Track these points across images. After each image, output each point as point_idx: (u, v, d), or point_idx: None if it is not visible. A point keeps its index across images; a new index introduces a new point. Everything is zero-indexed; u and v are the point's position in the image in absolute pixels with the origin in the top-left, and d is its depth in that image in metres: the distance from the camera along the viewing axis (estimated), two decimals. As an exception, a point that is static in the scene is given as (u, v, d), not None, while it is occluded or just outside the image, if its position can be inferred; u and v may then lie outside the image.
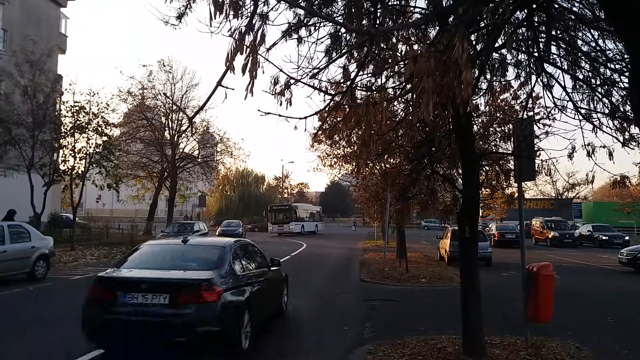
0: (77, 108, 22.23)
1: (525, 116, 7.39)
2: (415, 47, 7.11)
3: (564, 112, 6.46)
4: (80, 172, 23.34)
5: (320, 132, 8.32)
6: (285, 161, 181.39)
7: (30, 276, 13.92)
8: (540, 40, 5.93)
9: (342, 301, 12.21)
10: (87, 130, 22.51)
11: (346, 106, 4.76)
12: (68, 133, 22.28)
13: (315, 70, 5.45)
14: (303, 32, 6.30)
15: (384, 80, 6.75)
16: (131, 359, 6.98)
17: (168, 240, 10.72)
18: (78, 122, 22.22)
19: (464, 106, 3.02)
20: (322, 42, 6.30)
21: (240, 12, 3.43)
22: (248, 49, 3.07)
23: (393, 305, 11.53)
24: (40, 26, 30.53)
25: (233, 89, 3.26)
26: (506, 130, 9.71)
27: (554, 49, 6.35)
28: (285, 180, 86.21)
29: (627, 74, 5.54)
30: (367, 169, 18.15)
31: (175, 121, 35.61)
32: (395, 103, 9.49)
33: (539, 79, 6.23)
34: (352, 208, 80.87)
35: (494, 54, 6.44)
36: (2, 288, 12.54)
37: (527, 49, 6.36)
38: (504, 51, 6.60)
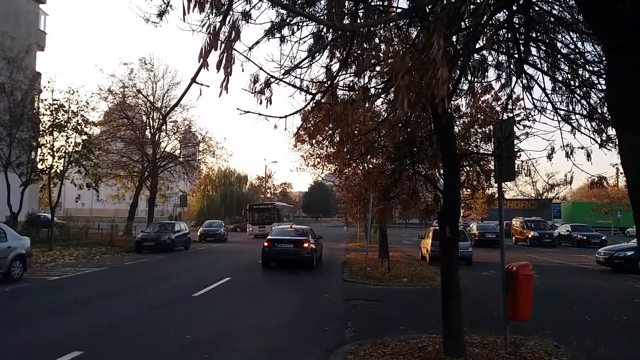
0: (56, 106, 21.84)
1: (505, 117, 7.46)
2: (397, 47, 7.14)
3: (544, 113, 6.55)
4: (58, 171, 22.92)
5: (302, 131, 8.30)
6: (269, 161, 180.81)
7: (6, 277, 13.64)
8: (520, 41, 5.99)
9: (324, 301, 12.19)
10: (66, 128, 22.13)
11: (327, 104, 4.74)
12: (46, 131, 21.88)
13: (297, 69, 5.42)
14: (286, 31, 6.28)
15: (366, 80, 6.76)
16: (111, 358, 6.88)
17: (285, 225, 24.99)
18: (57, 121, 21.83)
19: (442, 105, 3.02)
20: (304, 42, 6.28)
21: (218, 7, 3.38)
22: (223, 45, 3.03)
23: (375, 305, 11.55)
24: (19, 22, 29.94)
25: (208, 86, 3.21)
26: (487, 131, 9.81)
27: (534, 51, 6.42)
28: (268, 180, 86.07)
29: (605, 76, 5.63)
30: (349, 169, 18.20)
31: (157, 120, 35.18)
32: (378, 103, 9.54)
33: (519, 81, 6.29)
34: (335, 208, 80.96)
35: (474, 55, 6.48)
36: (-23, 289, 12.28)
37: (508, 51, 6.43)
38: (484, 52, 6.66)
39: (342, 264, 20.15)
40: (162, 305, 11.21)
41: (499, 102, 10.31)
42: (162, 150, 35.76)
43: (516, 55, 6.16)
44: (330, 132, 10.01)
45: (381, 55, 6.95)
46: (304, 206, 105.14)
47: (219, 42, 3.03)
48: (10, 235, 14.29)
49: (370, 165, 15.41)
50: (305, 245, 17.90)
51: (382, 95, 6.34)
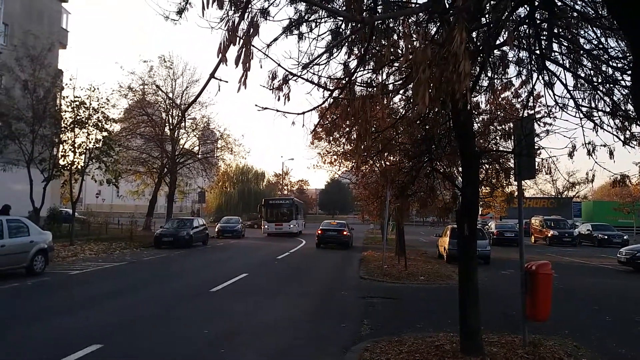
0: (77, 103, 22.19)
1: (525, 114, 7.35)
2: (416, 44, 7.09)
3: (565, 110, 6.43)
4: (79, 167, 23.32)
5: (319, 128, 8.29)
6: (286, 158, 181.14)
7: (28, 271, 13.93)
8: (542, 37, 5.89)
9: (340, 298, 12.20)
10: (87, 125, 22.48)
11: (345, 100, 4.73)
12: (68, 128, 22.25)
13: (315, 66, 5.42)
14: (304, 28, 6.28)
15: (384, 77, 6.73)
16: (130, 353, 6.97)
17: (329, 221, 34.99)
18: (78, 117, 22.18)
19: (463, 100, 2.98)
20: (322, 39, 6.27)
21: (237, 4, 3.38)
22: (241, 40, 3.03)
23: (391, 302, 11.52)
24: (42, 21, 30.45)
25: (227, 82, 3.22)
26: (506, 129, 9.69)
27: (555, 47, 6.31)
28: (285, 177, 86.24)
29: (629, 72, 5.51)
30: (366, 166, 18.16)
31: (176, 117, 35.54)
32: (396, 100, 9.48)
33: (540, 77, 6.19)
34: (352, 205, 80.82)
35: (495, 51, 6.40)
36: (1, 282, 12.55)
37: (529, 47, 6.33)
38: (505, 48, 6.57)
39: (358, 261, 20.13)
40: (181, 300, 11.32)
41: (519, 99, 10.20)
42: (181, 147, 36.10)
43: (537, 52, 6.06)
44: (347, 129, 10.00)
45: (399, 51, 6.92)
46: (321, 203, 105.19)
47: (238, 37, 3.03)
48: (33, 230, 14.57)
49: (387, 163, 15.37)
50: (344, 232, 28.30)
51: (401, 91, 6.29)
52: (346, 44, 6.15)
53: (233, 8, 3.46)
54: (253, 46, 3.02)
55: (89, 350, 6.84)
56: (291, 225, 38.51)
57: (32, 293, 11.84)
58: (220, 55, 3.03)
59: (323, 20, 6.28)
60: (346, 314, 10.08)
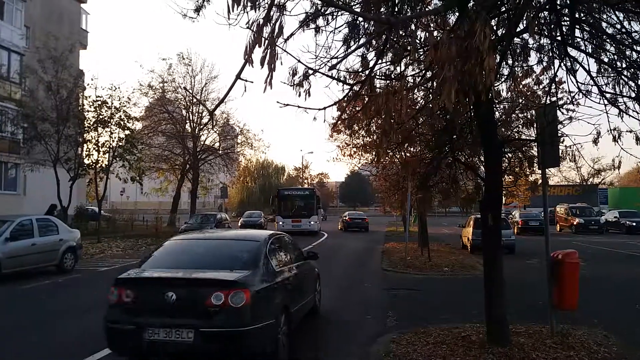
0: (100, 103, 22.61)
1: (548, 101, 7.25)
2: (435, 33, 7.03)
3: (589, 96, 6.32)
4: (104, 165, 23.76)
5: (339, 122, 8.29)
6: (305, 152, 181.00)
7: (59, 268, 14.29)
8: (563, 23, 5.79)
9: (364, 290, 12.23)
10: (109, 124, 22.89)
11: (365, 96, 4.73)
12: (91, 127, 22.70)
13: (334, 60, 5.42)
14: (320, 21, 6.27)
15: (403, 68, 6.69)
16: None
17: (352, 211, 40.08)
18: (101, 117, 22.60)
19: (486, 93, 2.97)
20: (339, 32, 6.25)
21: (257, 3, 3.42)
22: (266, 41, 3.07)
23: (415, 294, 11.51)
24: (62, 22, 31.00)
25: (252, 82, 3.26)
26: (529, 117, 9.55)
27: (577, 32, 6.20)
28: (305, 170, 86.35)
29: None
30: (387, 158, 18.09)
31: (196, 114, 35.92)
32: (415, 91, 9.41)
33: (562, 64, 6.10)
34: (372, 197, 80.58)
35: (515, 38, 6.31)
36: (33, 280, 12.91)
37: (550, 33, 6.23)
38: (525, 36, 6.48)
39: (380, 253, 20.12)
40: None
41: (541, 86, 10.03)
42: (202, 143, 36.49)
43: (559, 38, 5.96)
44: (366, 121, 9.97)
45: (418, 42, 6.86)
46: (341, 196, 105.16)
47: (262, 38, 3.07)
48: (62, 228, 14.92)
49: (408, 154, 15.29)
50: (365, 220, 36.18)
51: (424, 85, 6.25)
52: (364, 37, 6.12)
53: (249, 5, 3.49)
54: (277, 46, 3.05)
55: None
56: (312, 222, 32.36)
57: (63, 290, 12.16)
58: (246, 56, 3.07)
59: (340, 13, 6.27)
60: (370, 306, 10.12)
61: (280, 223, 32.33)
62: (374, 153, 17.75)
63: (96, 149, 23.14)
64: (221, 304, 5.39)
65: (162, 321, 5.44)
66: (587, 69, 6.13)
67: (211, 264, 6.34)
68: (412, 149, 13.28)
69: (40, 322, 8.72)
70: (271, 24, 3.25)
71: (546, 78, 8.29)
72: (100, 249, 20.73)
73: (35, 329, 8.29)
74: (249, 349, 5.60)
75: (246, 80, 3.21)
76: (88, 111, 22.95)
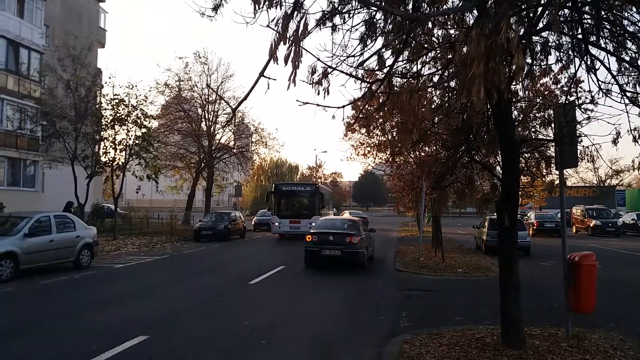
0: (117, 101, 22.79)
1: (566, 101, 7.15)
2: (452, 31, 6.98)
3: (609, 95, 6.22)
4: (120, 163, 23.99)
5: (355, 121, 8.28)
6: (319, 151, 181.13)
7: (75, 264, 14.48)
8: (584, 21, 5.71)
9: (377, 290, 12.20)
10: (126, 122, 23.07)
11: (384, 94, 4.71)
12: (108, 125, 22.89)
13: (352, 58, 5.40)
14: (337, 19, 6.26)
15: (419, 67, 6.65)
16: (175, 344, 7.18)
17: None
18: (118, 115, 22.80)
19: (507, 92, 2.93)
20: (356, 30, 6.24)
21: (277, 2, 3.41)
22: (291, 39, 3.07)
23: (429, 295, 11.44)
24: (81, 21, 31.40)
25: (275, 80, 3.26)
26: (546, 116, 9.43)
27: (596, 30, 6.10)
28: (319, 169, 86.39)
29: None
30: (401, 157, 18.01)
31: (212, 112, 36.11)
32: (430, 90, 9.35)
33: (582, 62, 6.01)
34: (386, 197, 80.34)
35: (534, 37, 6.24)
36: (51, 276, 13.09)
37: (570, 31, 6.14)
38: (544, 34, 6.39)
39: (394, 254, 20.05)
40: (221, 292, 11.57)
41: (559, 85, 9.90)
42: (217, 141, 36.67)
43: (579, 36, 5.88)
44: (380, 120, 9.93)
45: (434, 40, 6.81)
46: (355, 195, 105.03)
47: (287, 36, 3.07)
48: (79, 226, 15.11)
49: (423, 154, 15.20)
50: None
51: (444, 82, 6.20)
52: (382, 35, 6.09)
53: (276, 7, 3.49)
54: (303, 48, 3.05)
55: (136, 341, 7.08)
56: (313, 224, 24.98)
57: (80, 286, 12.31)
58: (271, 54, 3.06)
59: (356, 11, 6.25)
60: (384, 307, 10.09)
61: (276, 224, 27.13)
62: (388, 152, 17.75)
63: (113, 146, 23.33)
64: (350, 241, 14.73)
65: (328, 247, 14.82)
66: (608, 67, 6.03)
67: (342, 227, 15.78)
68: (427, 148, 13.21)
69: (59, 317, 8.85)
70: (296, 22, 3.25)
71: (564, 77, 8.20)
72: (116, 246, 20.96)
73: (54, 323, 8.41)
74: (358, 258, 14.90)
75: (269, 78, 3.21)
76: (105, 109, 23.16)
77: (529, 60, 6.86)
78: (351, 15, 6.16)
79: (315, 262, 15.24)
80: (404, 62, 6.51)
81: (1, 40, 24.96)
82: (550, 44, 6.24)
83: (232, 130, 37.48)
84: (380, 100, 7.84)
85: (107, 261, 16.72)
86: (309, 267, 15.50)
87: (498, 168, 8.71)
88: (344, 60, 5.68)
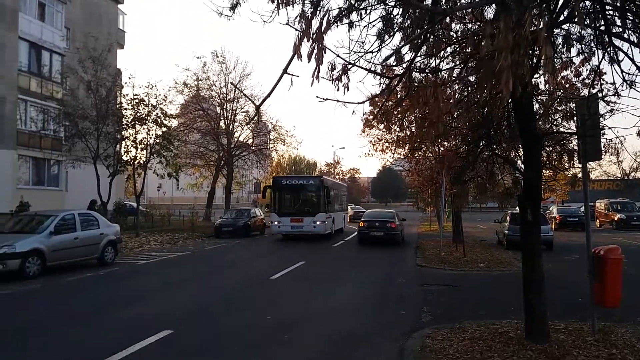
0: (137, 101, 23.10)
1: (589, 93, 7.06)
2: (470, 26, 6.93)
3: (633, 87, 6.13)
4: (142, 162, 24.33)
5: (373, 117, 8.29)
6: (337, 147, 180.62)
7: (100, 261, 14.76)
8: (606, 12, 5.63)
9: (398, 285, 12.20)
10: (147, 121, 23.37)
11: (405, 88, 4.71)
12: (129, 125, 23.21)
13: (370, 54, 5.41)
14: (354, 16, 6.27)
15: (437, 61, 6.62)
16: (199, 339, 7.30)
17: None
18: (138, 114, 23.10)
19: (531, 83, 2.92)
20: (373, 26, 6.24)
21: (295, 0, 3.45)
22: (314, 36, 3.10)
23: (451, 290, 11.41)
24: (100, 23, 31.83)
25: (298, 76, 3.30)
26: (568, 109, 9.32)
27: (620, 21, 6.01)
28: (337, 166, 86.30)
29: None
30: (419, 153, 17.94)
31: (230, 111, 36.36)
32: (449, 84, 9.30)
33: (605, 54, 5.92)
34: (405, 193, 79.96)
35: (555, 29, 6.17)
36: (76, 272, 13.38)
37: (592, 23, 6.06)
38: (565, 26, 6.31)
39: (415, 249, 20.00)
40: (243, 288, 11.71)
41: (580, 78, 9.76)
42: (236, 139, 36.92)
43: (602, 27, 5.80)
44: (399, 115, 9.91)
45: (452, 34, 6.78)
46: (373, 191, 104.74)
47: (310, 33, 3.10)
48: (102, 223, 15.39)
49: (442, 149, 15.11)
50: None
51: (466, 76, 6.17)
52: (400, 31, 6.09)
53: (292, 5, 3.53)
54: (325, 47, 3.08)
55: (161, 336, 7.21)
56: (317, 222, 23.99)
57: (105, 282, 12.55)
58: (294, 50, 3.10)
59: (374, 7, 6.25)
60: (405, 301, 10.09)
61: (276, 223, 24.45)
62: (407, 147, 17.70)
63: (134, 145, 23.67)
64: (390, 225, 21.48)
65: (375, 230, 21.52)
66: (632, 58, 5.94)
67: (384, 217, 22.62)
68: (446, 143, 13.14)
69: (86, 312, 9.05)
70: (318, 19, 3.29)
71: (586, 69, 8.09)
72: (138, 242, 21.30)
73: (81, 318, 8.61)
74: (395, 238, 21.46)
75: (292, 75, 3.26)
76: (126, 109, 23.47)
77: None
78: (368, 11, 6.17)
79: (366, 241, 21.59)
80: (423, 57, 6.50)
81: (24, 44, 25.50)
82: (572, 36, 6.16)
83: (252, 128, 37.68)
84: (399, 96, 7.85)
85: (131, 258, 17.00)
86: (362, 245, 21.53)
87: (519, 162, 8.64)
88: (362, 56, 5.70)
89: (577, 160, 8.04)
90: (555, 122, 10.07)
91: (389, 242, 20.98)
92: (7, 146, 24.30)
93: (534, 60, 5.20)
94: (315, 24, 3.27)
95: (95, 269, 14.19)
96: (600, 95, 7.09)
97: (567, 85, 10.47)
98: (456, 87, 8.45)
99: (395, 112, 9.05)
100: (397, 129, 17.28)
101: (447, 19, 6.15)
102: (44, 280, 12.17)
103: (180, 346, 6.89)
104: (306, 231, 23.91)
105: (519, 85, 2.96)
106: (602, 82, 8.12)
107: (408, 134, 15.65)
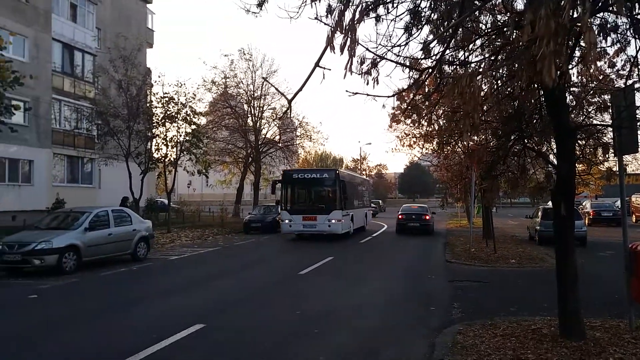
0: (167, 99, 23.45)
1: (625, 84, 6.86)
2: (499, 17, 6.81)
3: (672, 76, 5.93)
4: (172, 159, 24.73)
5: (401, 111, 8.22)
6: (363, 143, 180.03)
7: (133, 257, 15.10)
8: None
9: (427, 281, 12.11)
10: (177, 119, 23.70)
11: (432, 82, 4.66)
12: (160, 123, 23.60)
13: (397, 48, 5.38)
14: (381, 10, 6.24)
15: (467, 54, 6.53)
16: (231, 332, 7.41)
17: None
18: (168, 112, 23.45)
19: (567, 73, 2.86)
20: (400, 19, 6.20)
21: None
22: (346, 28, 3.11)
23: (481, 286, 11.26)
24: (130, 23, 32.41)
25: (330, 69, 3.31)
26: (602, 101, 9.08)
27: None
28: (363, 161, 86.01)
29: None
30: (449, 147, 17.72)
31: (257, 108, 36.62)
32: (479, 78, 9.16)
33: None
34: (432, 188, 79.23)
35: (589, 18, 6.01)
36: (110, 267, 13.72)
37: (628, 11, 5.88)
38: (599, 15, 6.15)
39: (443, 245, 19.82)
40: (272, 282, 11.82)
41: (614, 69, 9.50)
42: (263, 136, 37.18)
43: (639, 16, 5.61)
44: (428, 109, 9.81)
45: (482, 26, 6.67)
46: (400, 187, 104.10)
47: (344, 25, 3.11)
48: (135, 219, 15.73)
49: (472, 143, 14.87)
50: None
51: (499, 67, 6.07)
52: (428, 24, 6.03)
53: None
54: (358, 39, 3.09)
55: (193, 329, 7.35)
56: (332, 221, 21.80)
57: (138, 277, 12.84)
58: (328, 43, 3.12)
59: (400, 1, 6.21)
60: (435, 297, 10.02)
61: (286, 222, 22.38)
62: (435, 142, 17.51)
63: (165, 143, 24.04)
64: (424, 217, 25.62)
65: (411, 222, 25.54)
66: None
67: (419, 210, 26.76)
68: (476, 137, 12.94)
69: (120, 306, 9.28)
70: (351, 11, 3.29)
71: (621, 60, 7.86)
72: (170, 238, 21.70)
73: (116, 312, 8.84)
74: (429, 229, 25.48)
75: (324, 68, 3.27)
76: (156, 107, 23.87)
77: (583, 44, 6.63)
78: (395, 5, 6.13)
79: (403, 231, 25.35)
80: (452, 49, 6.42)
81: (57, 45, 26.22)
82: (609, 26, 6.00)
83: (277, 125, 37.89)
84: (427, 90, 7.77)
85: (163, 253, 17.32)
86: (399, 234, 25.20)
87: (552, 156, 8.46)
88: (390, 49, 5.67)
89: (612, 153, 7.84)
90: (588, 115, 9.84)
91: (423, 231, 25.00)
92: (43, 145, 25.06)
93: (568, 51, 5.08)
94: (347, 16, 3.28)
95: (128, 264, 14.52)
96: (637, 85, 6.90)
97: (601, 77, 10.20)
98: (485, 80, 8.33)
99: (423, 107, 8.97)
100: (425, 124, 17.12)
101: (476, 12, 6.07)
102: (80, 275, 12.53)
103: (212, 340, 7.01)
104: (320, 230, 21.86)
105: (556, 75, 2.90)
106: (638, 72, 7.90)
107: (436, 128, 15.48)
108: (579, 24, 5.07)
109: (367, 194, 32.35)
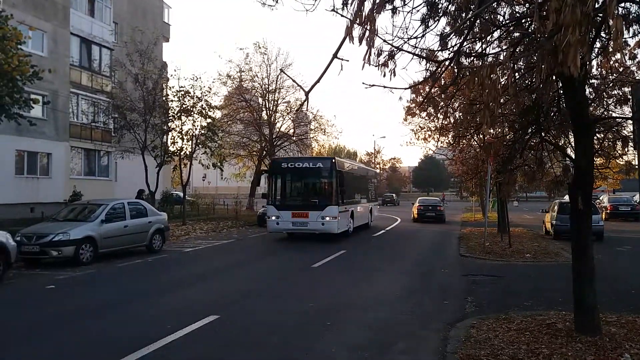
0: (183, 93, 23.56)
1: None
2: (518, 8, 6.72)
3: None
4: (188, 152, 24.90)
5: (416, 104, 8.18)
6: (377, 136, 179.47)
7: (148, 249, 15.27)
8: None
9: (441, 275, 12.07)
10: (192, 113, 23.82)
11: (449, 74, 4.62)
12: (175, 116, 23.73)
13: (414, 40, 5.34)
14: (398, 1, 6.19)
15: (484, 46, 6.46)
16: (245, 324, 7.47)
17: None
18: (184, 106, 23.56)
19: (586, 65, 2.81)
20: (417, 11, 6.15)
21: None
22: (365, 19, 3.10)
23: (495, 280, 11.19)
24: (146, 17, 32.60)
25: (348, 60, 3.30)
26: (621, 93, 8.93)
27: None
28: (377, 155, 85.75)
29: None
30: (464, 140, 17.58)
31: (272, 101, 36.67)
32: (498, 69, 9.05)
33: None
34: (447, 182, 78.79)
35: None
36: (126, 259, 13.89)
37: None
38: (622, 5, 6.03)
39: (457, 239, 19.72)
40: (286, 275, 11.87)
41: (635, 61, 9.33)
42: (277, 130, 37.24)
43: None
44: (442, 103, 9.75)
45: (500, 17, 6.59)
46: (415, 180, 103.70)
47: (363, 15, 3.10)
48: (150, 212, 15.88)
49: (488, 136, 14.75)
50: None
51: (520, 57, 6.00)
52: (445, 15, 5.97)
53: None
54: (377, 30, 3.06)
55: (207, 321, 7.42)
56: (327, 217, 18.57)
57: (153, 269, 12.99)
58: (347, 33, 3.11)
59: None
60: (448, 291, 9.98)
61: (273, 218, 19.18)
62: (451, 135, 17.39)
63: (180, 137, 24.20)
64: (439, 208, 31.35)
65: (428, 212, 30.96)
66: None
67: (434, 202, 32.78)
68: (492, 130, 12.82)
69: (136, 297, 9.41)
70: (370, 2, 3.27)
71: (641, 52, 7.73)
72: (185, 231, 21.89)
73: (132, 303, 8.96)
74: (442, 218, 30.92)
75: (342, 59, 3.26)
76: (172, 101, 23.99)
77: (603, 35, 6.51)
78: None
79: (422, 218, 30.33)
80: (469, 41, 6.36)
81: (75, 39, 26.48)
82: (632, 16, 5.89)
83: (292, 119, 37.90)
84: (443, 82, 7.70)
85: (178, 245, 17.49)
86: (416, 223, 29.55)
87: (569, 149, 8.35)
88: (406, 41, 5.63)
89: (632, 147, 7.71)
90: (608, 107, 9.69)
91: (438, 219, 30.13)
92: (60, 138, 25.37)
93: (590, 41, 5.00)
94: (367, 6, 3.25)
95: (144, 255, 14.69)
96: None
97: (621, 69, 10.03)
98: (501, 72, 8.24)
99: (439, 100, 8.91)
100: (441, 117, 16.99)
101: (494, 3, 5.99)
102: (96, 267, 12.71)
103: (227, 331, 7.08)
104: (312, 229, 18.69)
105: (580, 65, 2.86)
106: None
107: (452, 121, 15.38)
108: (600, 15, 5.00)
109: (373, 186, 29.19)
